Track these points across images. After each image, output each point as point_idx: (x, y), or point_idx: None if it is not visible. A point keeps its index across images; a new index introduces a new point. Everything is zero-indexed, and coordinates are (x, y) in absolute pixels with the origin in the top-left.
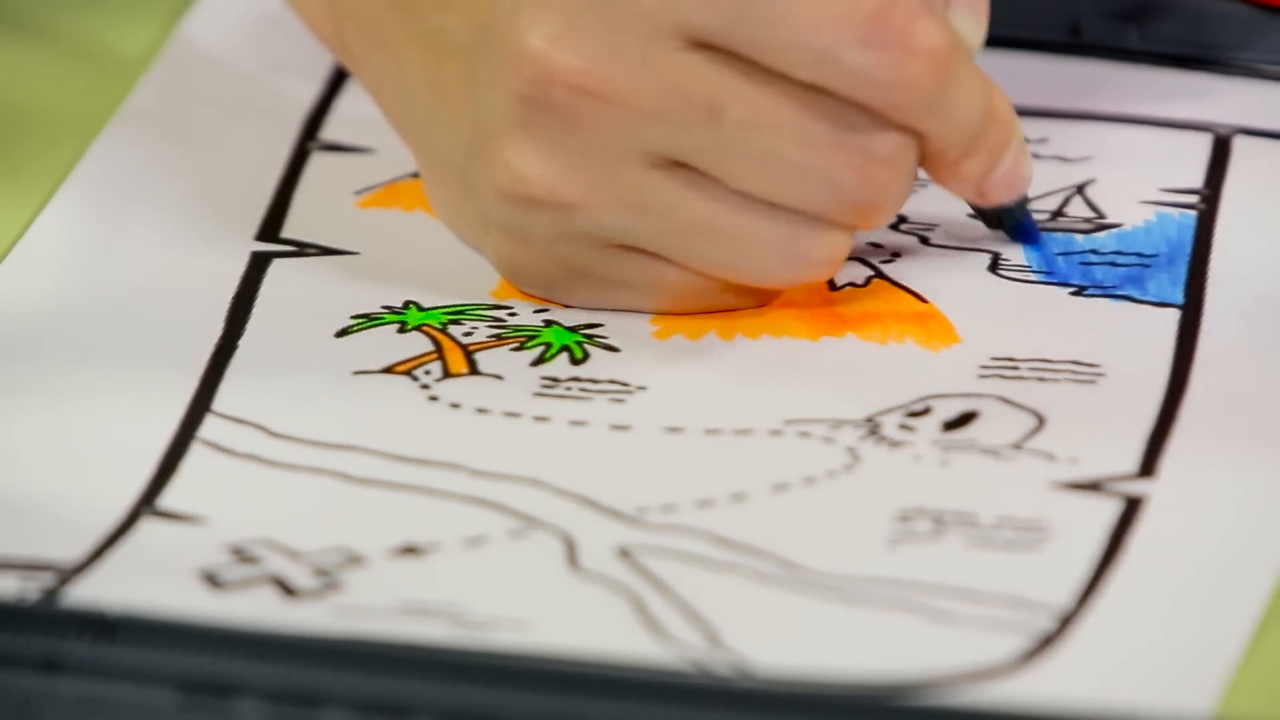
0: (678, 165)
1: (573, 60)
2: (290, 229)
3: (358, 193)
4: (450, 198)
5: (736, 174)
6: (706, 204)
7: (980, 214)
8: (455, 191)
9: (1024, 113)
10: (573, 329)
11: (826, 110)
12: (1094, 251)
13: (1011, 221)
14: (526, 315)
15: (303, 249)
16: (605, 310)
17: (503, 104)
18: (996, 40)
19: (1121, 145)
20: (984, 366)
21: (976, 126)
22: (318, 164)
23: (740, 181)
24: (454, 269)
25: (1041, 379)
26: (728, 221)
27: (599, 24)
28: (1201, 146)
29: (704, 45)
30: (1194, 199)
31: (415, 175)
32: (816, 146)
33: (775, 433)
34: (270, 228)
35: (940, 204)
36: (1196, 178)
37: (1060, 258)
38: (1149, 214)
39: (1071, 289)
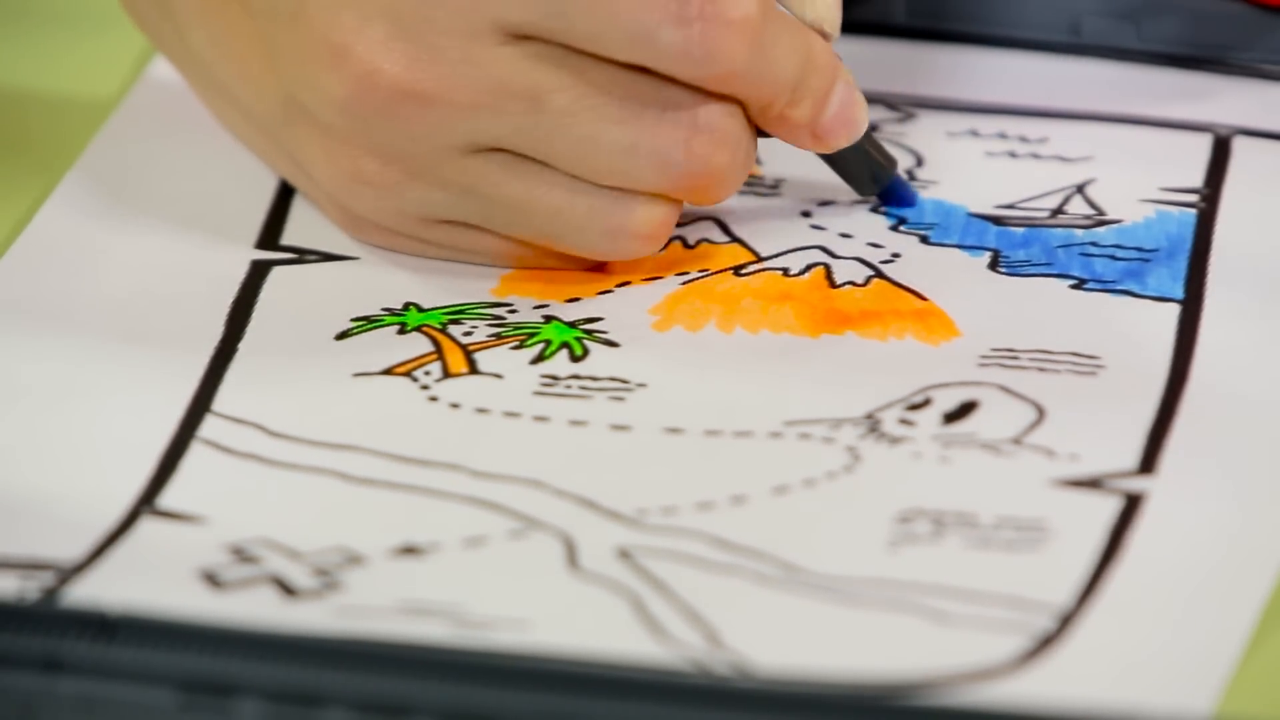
0: (500, 150)
1: (395, 65)
2: (290, 234)
3: None
4: (266, 150)
5: (560, 157)
6: (528, 184)
7: (844, 174)
8: (272, 148)
9: (1024, 113)
10: (572, 324)
11: (647, 89)
12: (1094, 244)
13: (868, 176)
14: (526, 312)
15: (303, 255)
16: (601, 302)
17: (322, 98)
18: (997, 40)
19: (1121, 145)
20: (984, 356)
21: (796, 78)
22: None
23: (565, 164)
24: (454, 270)
25: (1042, 369)
26: (550, 199)
27: (419, 25)
28: (1201, 147)
29: (522, 37)
30: (1194, 197)
31: None
32: (639, 125)
33: (775, 434)
34: (270, 234)
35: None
36: (1196, 178)
37: (1060, 249)
38: (1149, 211)
39: (1072, 282)
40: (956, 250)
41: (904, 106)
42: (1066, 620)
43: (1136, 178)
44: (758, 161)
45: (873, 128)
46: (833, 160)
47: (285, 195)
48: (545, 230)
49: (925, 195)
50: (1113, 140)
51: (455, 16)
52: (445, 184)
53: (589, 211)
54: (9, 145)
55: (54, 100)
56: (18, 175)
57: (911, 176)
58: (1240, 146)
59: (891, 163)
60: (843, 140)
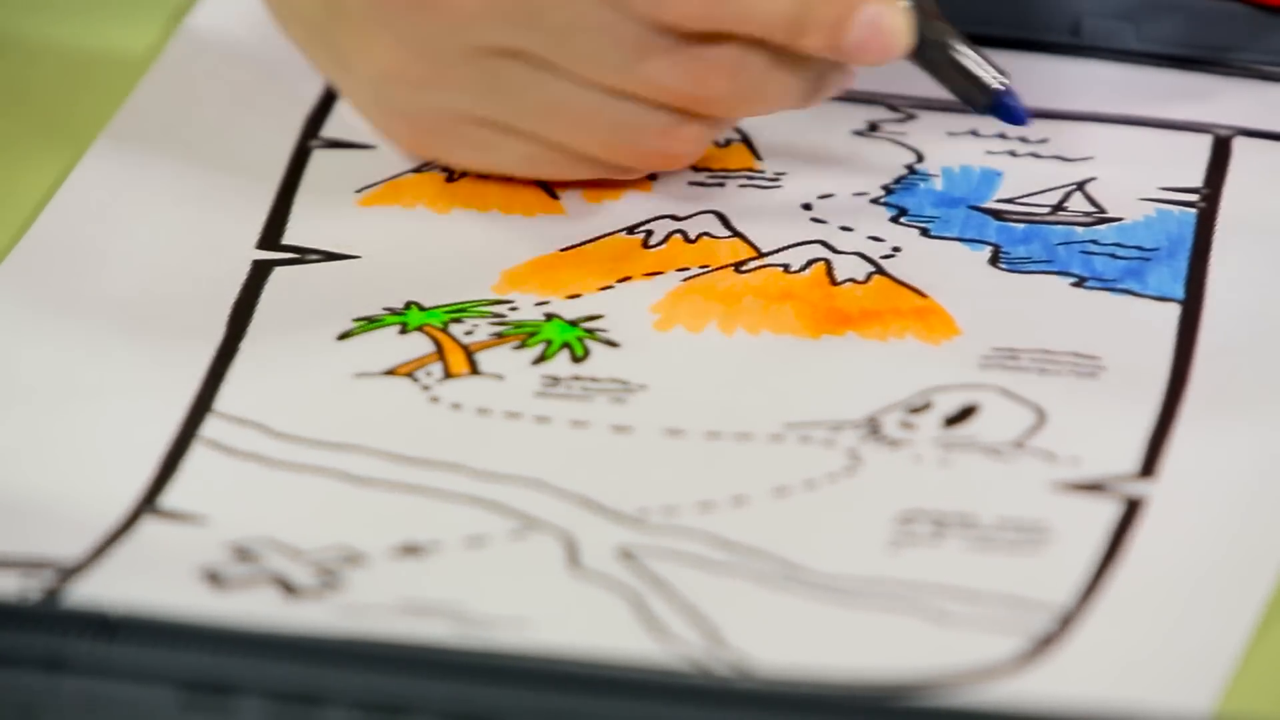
0: (524, 53)
1: None
2: (292, 233)
3: (359, 191)
4: (311, 46)
5: (570, 66)
6: (551, 88)
7: (945, 84)
8: (317, 45)
9: None
10: (573, 323)
11: (631, 21)
12: (1094, 242)
13: (963, 90)
14: (527, 309)
15: (304, 255)
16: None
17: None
18: (997, 40)
19: (1121, 146)
20: (985, 357)
21: (790, 13)
22: (319, 163)
23: (579, 74)
24: (455, 267)
25: (1042, 370)
26: (573, 104)
27: None
28: (1201, 147)
29: None
30: (1194, 197)
31: (416, 171)
32: (631, 51)
33: (776, 437)
34: (272, 233)
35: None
36: (1196, 178)
37: (1060, 247)
38: (1149, 210)
39: (1072, 280)
40: (957, 244)
41: (904, 107)
42: (1067, 620)
43: (1136, 177)
44: (757, 156)
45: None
46: (928, 70)
47: (287, 195)
48: (571, 135)
49: (924, 190)
50: (1113, 141)
51: None
52: (471, 83)
53: (611, 122)
54: (12, 142)
55: (55, 99)
56: (20, 173)
57: (912, 172)
58: (1240, 147)
59: (986, 80)
60: (872, 61)
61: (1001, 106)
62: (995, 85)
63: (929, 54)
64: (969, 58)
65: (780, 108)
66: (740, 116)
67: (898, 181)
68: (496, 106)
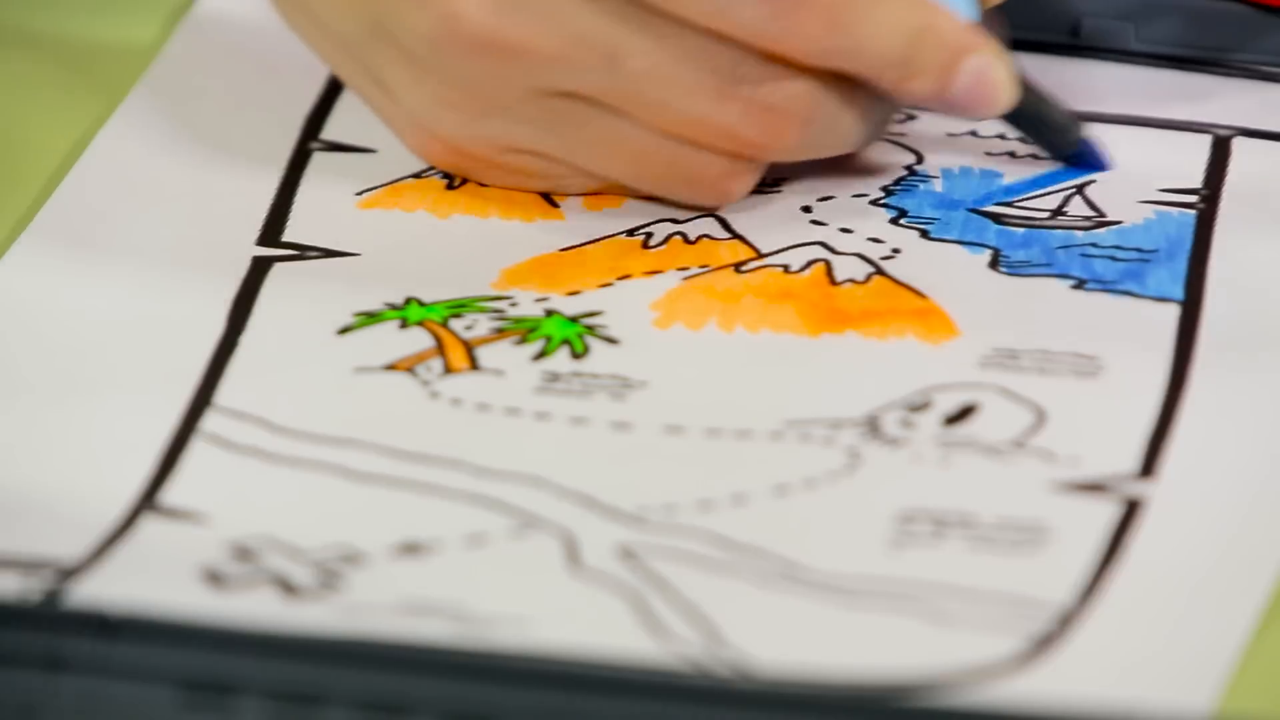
0: (583, 97)
1: (478, 10)
2: (292, 232)
3: (359, 194)
4: (346, 67)
5: (637, 112)
6: (608, 128)
7: (1029, 136)
8: (353, 66)
9: None
10: (573, 319)
11: (724, 60)
12: (1094, 245)
13: (1051, 141)
14: (527, 305)
15: (304, 252)
16: (602, 296)
17: (408, 31)
18: None
19: (1121, 146)
20: (984, 357)
21: (901, 54)
22: (319, 164)
23: (641, 118)
24: (454, 264)
25: (1042, 370)
26: (629, 144)
27: None
28: (1201, 148)
29: None
30: (1193, 198)
31: (417, 175)
32: (711, 97)
33: (776, 434)
34: (272, 232)
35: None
36: (1196, 179)
37: (1060, 250)
38: (1148, 212)
39: (1072, 283)
40: (957, 246)
41: (904, 108)
42: (1066, 620)
43: (1136, 179)
44: None
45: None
46: (1012, 124)
47: (287, 193)
48: (624, 172)
49: (925, 190)
50: (1112, 141)
51: None
52: (528, 119)
53: (668, 161)
54: (11, 140)
55: (54, 98)
56: (20, 170)
57: (912, 173)
58: (1239, 147)
59: (1071, 129)
60: (980, 114)
61: (1085, 154)
62: (1079, 134)
63: (1017, 107)
64: (1053, 109)
65: (835, 153)
66: (795, 159)
67: (897, 183)
68: (550, 143)
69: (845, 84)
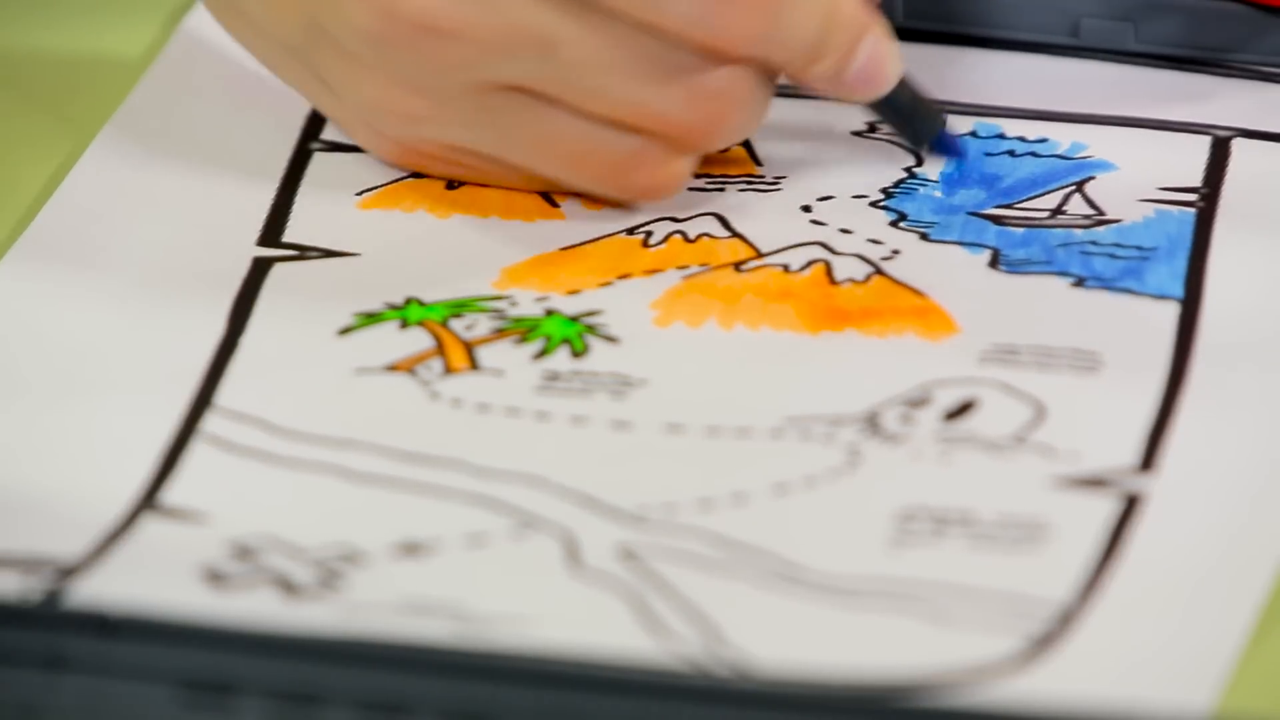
0: (521, 88)
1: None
2: (292, 233)
3: (359, 194)
4: (289, 69)
5: (573, 103)
6: (546, 124)
7: (890, 124)
8: (297, 68)
9: (1023, 115)
10: (573, 318)
11: (657, 50)
12: (1093, 243)
13: (912, 127)
14: (527, 305)
15: (304, 252)
16: (602, 295)
17: (347, 28)
18: (997, 41)
19: (1120, 147)
20: (984, 353)
21: (816, 39)
22: (319, 164)
23: (578, 109)
24: (455, 263)
25: (1042, 366)
26: (566, 141)
27: None
28: (1200, 148)
29: None
30: (1193, 197)
31: (417, 175)
32: (647, 85)
33: (776, 431)
34: (272, 232)
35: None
36: (1195, 178)
37: (1059, 248)
38: (1148, 210)
39: (1072, 280)
40: (956, 248)
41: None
42: (1067, 619)
43: (1135, 178)
44: (757, 162)
45: (907, 82)
46: (875, 109)
47: (287, 194)
48: (561, 170)
49: (924, 195)
50: (1111, 142)
51: None
52: (467, 118)
53: (603, 157)
54: (12, 140)
55: (55, 98)
56: (20, 171)
57: (911, 175)
58: (1239, 148)
59: (937, 114)
60: (869, 94)
61: (946, 142)
62: (943, 121)
63: (893, 91)
64: (921, 94)
65: (743, 139)
66: (723, 146)
67: (897, 185)
68: (491, 141)
69: (761, 69)
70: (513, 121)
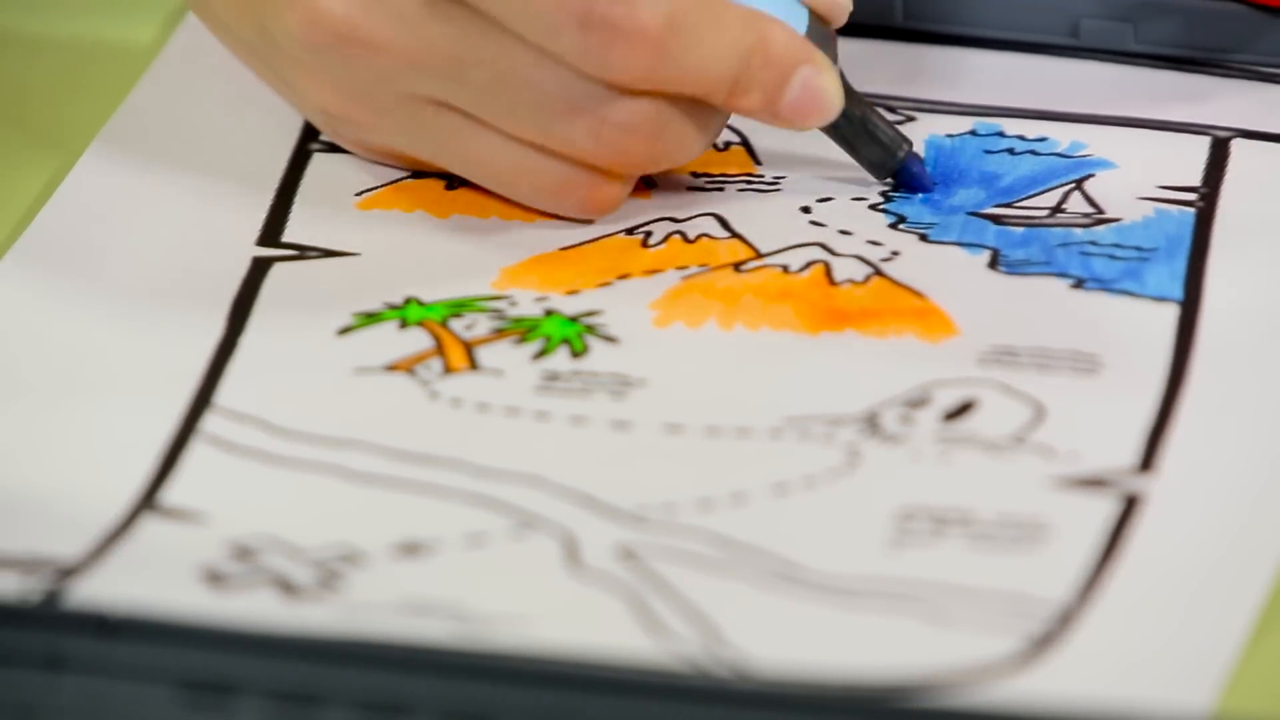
0: (447, 105)
1: (339, 8)
2: (291, 232)
3: (359, 194)
4: (257, 67)
5: (491, 121)
6: (475, 139)
7: (852, 155)
8: (262, 67)
9: (1023, 115)
10: (572, 318)
11: (560, 79)
12: (1093, 243)
13: (870, 159)
14: (526, 305)
15: (304, 252)
16: (601, 295)
17: (283, 32)
18: (995, 42)
19: (1120, 147)
20: (983, 354)
21: (732, 74)
22: (319, 164)
23: (496, 127)
24: (454, 263)
25: (1041, 367)
26: (497, 156)
27: None
28: (1200, 149)
29: (457, 1)
30: (1192, 196)
31: (417, 175)
32: (550, 113)
33: (775, 431)
34: (272, 231)
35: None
36: (1195, 179)
37: (1059, 249)
38: (1147, 210)
39: (1071, 281)
40: (956, 248)
41: (902, 109)
42: (1066, 619)
43: (1134, 178)
44: (756, 161)
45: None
46: (837, 139)
47: (286, 194)
48: (496, 182)
49: (923, 196)
50: (1111, 142)
51: None
52: (405, 129)
53: (533, 180)
54: (11, 140)
55: (55, 98)
56: (20, 171)
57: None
58: (1238, 148)
59: (895, 145)
60: (807, 125)
61: (908, 170)
62: (903, 152)
63: (841, 120)
64: (880, 124)
65: (681, 164)
66: (650, 172)
67: (896, 187)
68: (429, 153)
69: (684, 98)
70: (446, 137)
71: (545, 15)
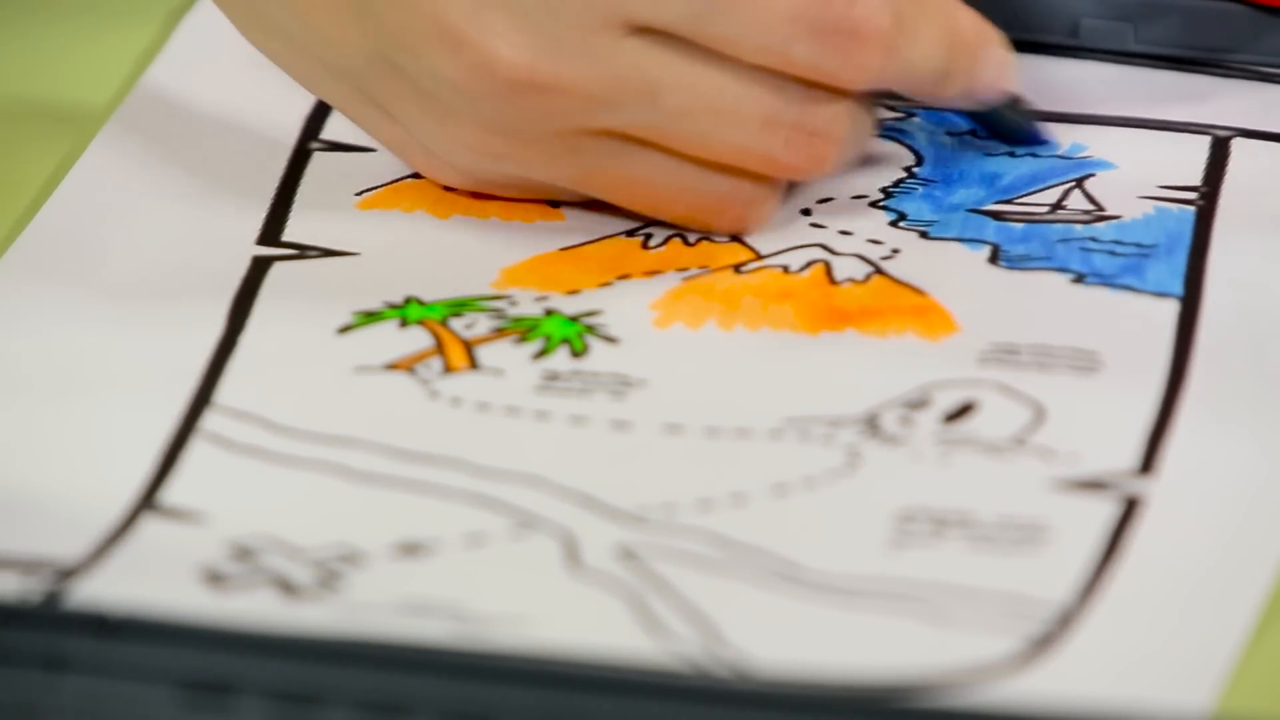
0: (615, 133)
1: (515, 54)
2: (291, 232)
3: (359, 194)
4: (338, 94)
5: (674, 145)
6: (637, 163)
7: (977, 121)
8: (349, 93)
9: None
10: (573, 318)
11: (762, 92)
12: (1093, 239)
13: (1006, 125)
14: (527, 305)
15: (304, 251)
16: (601, 296)
17: (429, 74)
18: None
19: (1119, 147)
20: (983, 353)
21: (941, 68)
22: (319, 164)
23: (678, 150)
24: (454, 263)
25: (1041, 366)
26: (657, 178)
27: (542, 15)
28: (1200, 148)
29: (646, 30)
30: (1192, 195)
31: (417, 175)
32: (753, 127)
33: (775, 432)
34: (272, 230)
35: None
36: (1195, 178)
37: (1059, 244)
38: (1148, 207)
39: (1071, 276)
40: (956, 244)
41: (903, 107)
42: (1066, 620)
43: (1135, 177)
44: None
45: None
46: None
47: (287, 194)
48: (649, 202)
49: (924, 192)
50: (1111, 142)
51: (585, 11)
52: (551, 159)
53: (692, 199)
54: (11, 140)
55: (55, 98)
56: (20, 171)
57: (911, 175)
58: (1239, 148)
59: (1027, 115)
60: (991, 99)
61: (1031, 131)
62: (1030, 111)
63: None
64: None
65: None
66: (829, 176)
67: (896, 184)
68: (571, 178)
69: (863, 96)
70: (601, 163)
71: (776, 30)
